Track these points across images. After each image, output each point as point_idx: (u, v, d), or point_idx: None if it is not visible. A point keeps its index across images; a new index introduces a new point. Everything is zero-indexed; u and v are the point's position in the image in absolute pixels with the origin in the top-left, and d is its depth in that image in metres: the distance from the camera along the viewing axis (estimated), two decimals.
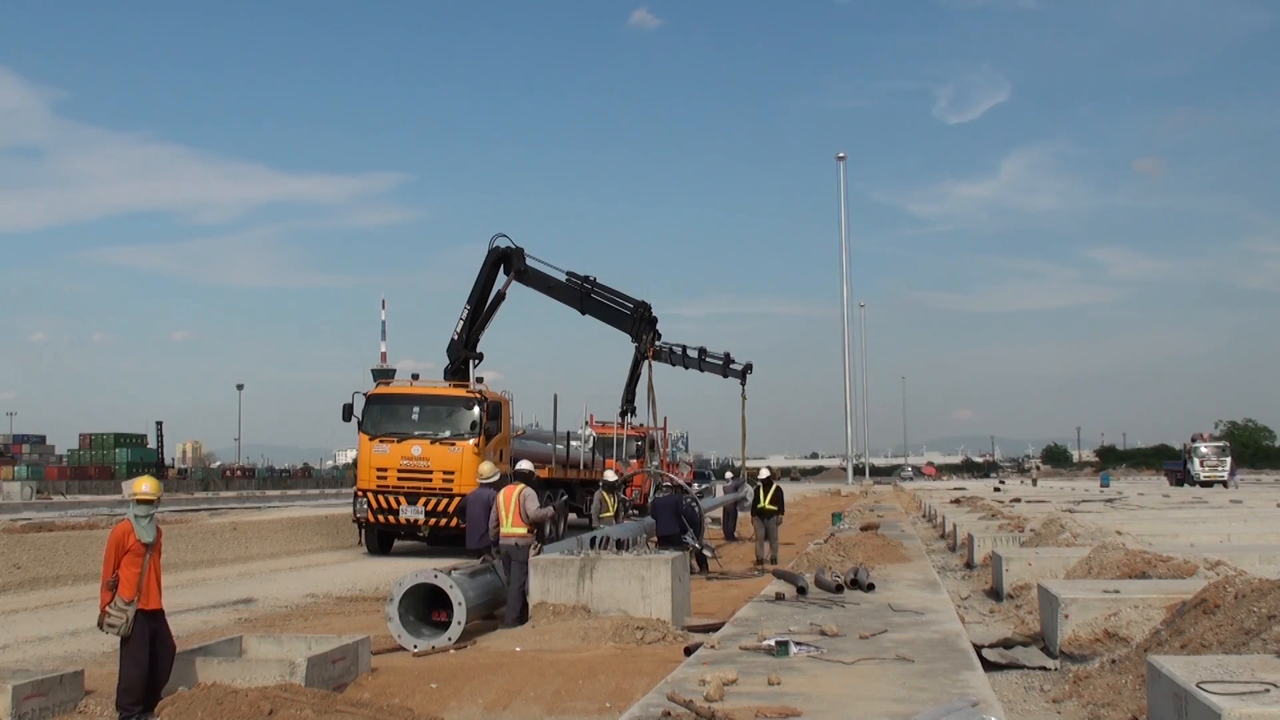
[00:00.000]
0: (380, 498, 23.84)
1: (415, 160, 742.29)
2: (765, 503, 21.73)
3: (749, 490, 29.28)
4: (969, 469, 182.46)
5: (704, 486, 42.71)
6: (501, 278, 27.02)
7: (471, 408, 24.22)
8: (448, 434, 24.03)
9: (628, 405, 34.43)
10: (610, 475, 21.04)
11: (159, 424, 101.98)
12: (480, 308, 26.91)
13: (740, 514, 32.87)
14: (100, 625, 8.23)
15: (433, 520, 23.68)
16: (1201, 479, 68.36)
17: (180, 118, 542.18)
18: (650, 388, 30.35)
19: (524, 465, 15.03)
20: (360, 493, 24.27)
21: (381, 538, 25.01)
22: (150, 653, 8.31)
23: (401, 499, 23.77)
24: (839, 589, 12.68)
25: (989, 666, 9.79)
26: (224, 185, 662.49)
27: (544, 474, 27.97)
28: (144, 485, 8.72)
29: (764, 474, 22.75)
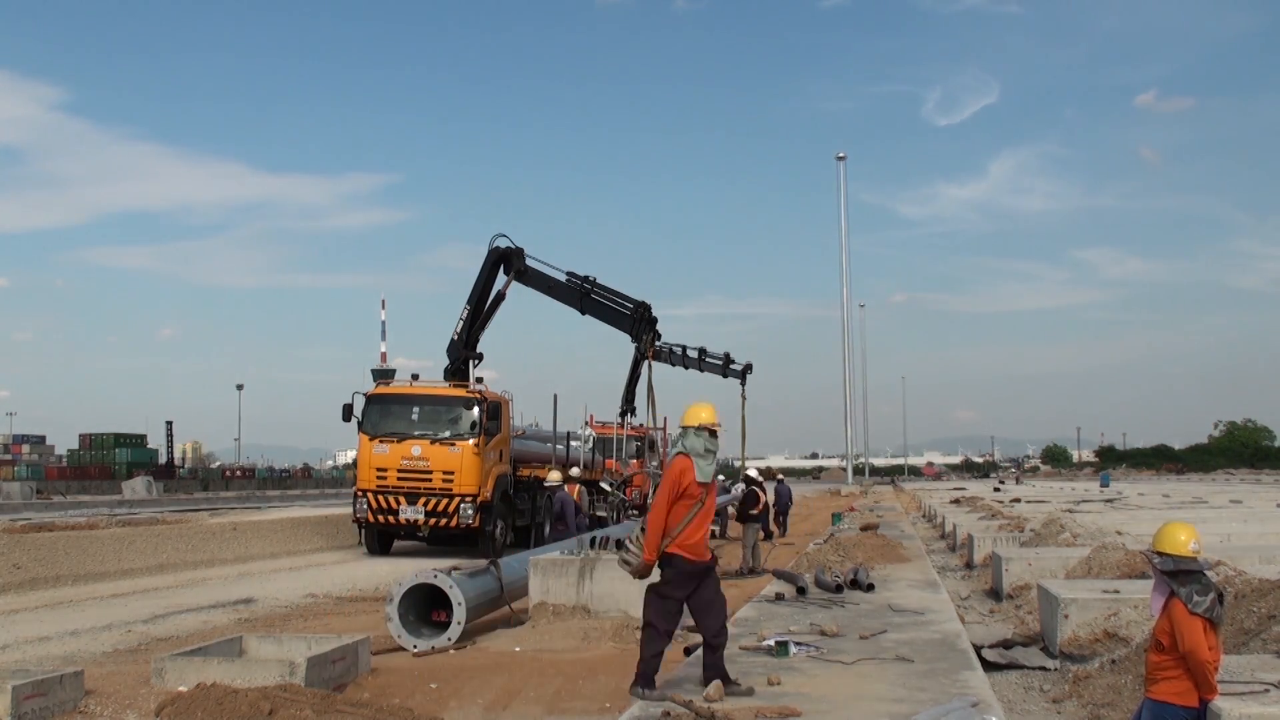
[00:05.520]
0: (380, 498, 23.84)
1: (403, 160, 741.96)
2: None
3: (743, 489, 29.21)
4: (969, 469, 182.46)
5: None
6: (501, 278, 27.01)
7: (471, 408, 24.21)
8: (448, 434, 24.01)
9: (628, 405, 34.42)
10: (752, 471, 21.80)
11: (169, 424, 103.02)
12: (480, 308, 26.90)
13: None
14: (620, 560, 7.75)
15: (433, 520, 23.68)
16: None
17: (164, 116, 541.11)
18: (650, 388, 30.33)
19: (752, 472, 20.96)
20: (360, 493, 24.26)
21: (381, 538, 25.00)
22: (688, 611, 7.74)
23: (401, 499, 23.77)
24: (839, 589, 12.69)
25: (989, 666, 9.79)
26: (209, 185, 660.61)
27: (544, 474, 27.97)
28: (705, 413, 7.70)
29: (751, 472, 22.09)
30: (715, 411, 7.83)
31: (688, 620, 12.53)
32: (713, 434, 7.70)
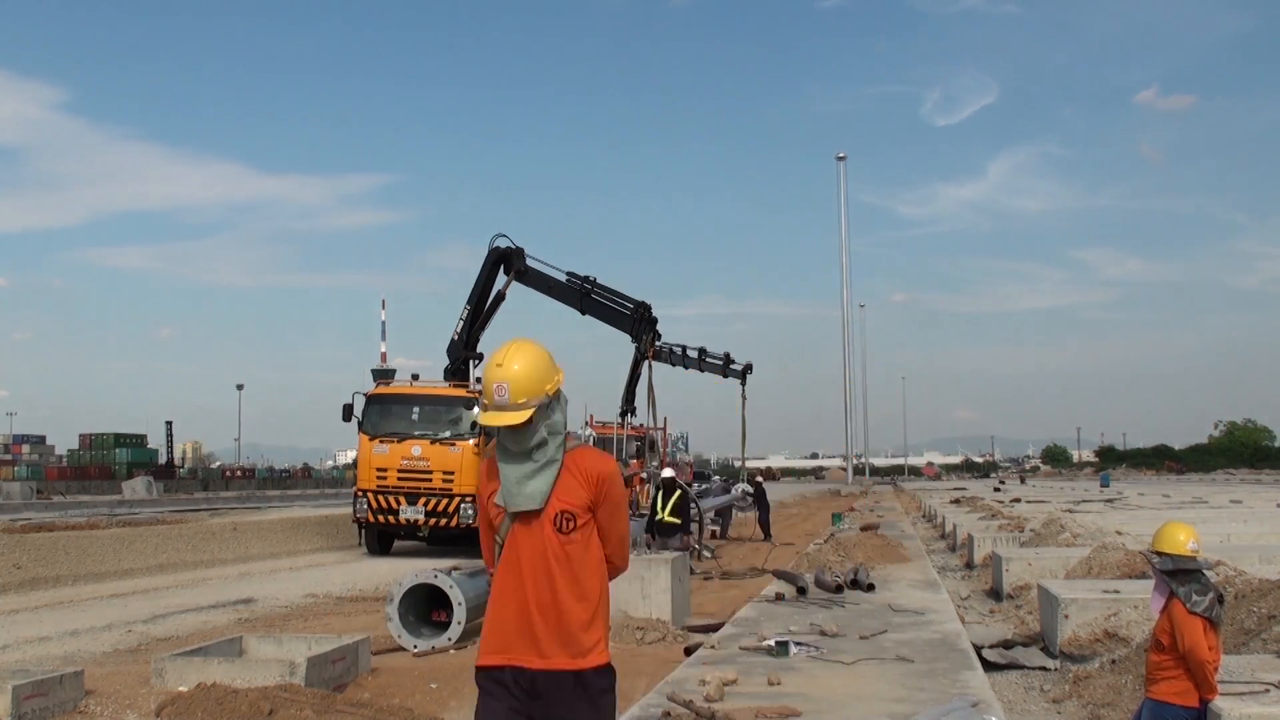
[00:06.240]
0: (380, 498, 23.84)
1: (403, 160, 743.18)
2: (665, 514, 16.86)
3: (743, 488, 29.24)
4: (969, 469, 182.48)
5: (704, 487, 42.70)
6: (501, 278, 27.03)
7: (471, 408, 24.20)
8: (448, 434, 24.03)
9: (628, 405, 34.44)
10: (668, 472, 18.30)
11: (169, 424, 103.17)
12: (480, 308, 26.92)
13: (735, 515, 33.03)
14: None
15: (433, 520, 23.69)
16: None
17: (162, 116, 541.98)
18: (650, 388, 30.36)
19: (668, 473, 17.85)
20: (360, 493, 24.27)
21: (381, 538, 25.01)
22: None
23: (401, 499, 23.78)
24: (839, 589, 12.68)
25: (989, 666, 9.79)
26: (208, 185, 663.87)
27: None
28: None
29: (667, 473, 18.01)
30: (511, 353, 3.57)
31: (688, 619, 12.56)
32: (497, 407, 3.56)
